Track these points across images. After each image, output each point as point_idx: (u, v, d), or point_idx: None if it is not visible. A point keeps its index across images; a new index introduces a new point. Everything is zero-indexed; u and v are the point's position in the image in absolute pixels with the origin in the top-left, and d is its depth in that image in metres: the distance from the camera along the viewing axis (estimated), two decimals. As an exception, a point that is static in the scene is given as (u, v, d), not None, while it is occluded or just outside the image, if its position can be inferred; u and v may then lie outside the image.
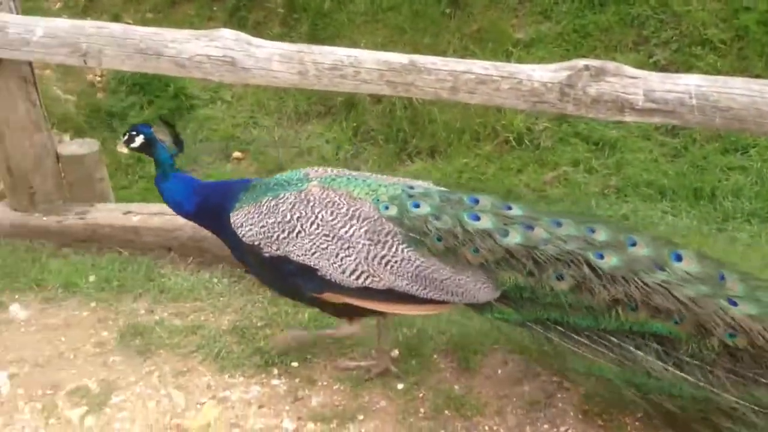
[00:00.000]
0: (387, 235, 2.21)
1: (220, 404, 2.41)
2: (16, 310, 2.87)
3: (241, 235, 2.29)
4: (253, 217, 2.28)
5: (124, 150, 2.53)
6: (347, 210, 2.24)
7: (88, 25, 2.78)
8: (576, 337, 2.15)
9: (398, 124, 6.82)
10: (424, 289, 2.20)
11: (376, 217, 2.22)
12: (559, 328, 2.17)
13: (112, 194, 3.50)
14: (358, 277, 2.21)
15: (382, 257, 2.19)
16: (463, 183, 5.27)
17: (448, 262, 2.19)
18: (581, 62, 2.44)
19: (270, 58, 2.67)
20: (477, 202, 2.31)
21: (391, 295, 2.22)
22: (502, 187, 4.85)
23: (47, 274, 3.02)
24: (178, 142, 2.54)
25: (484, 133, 5.97)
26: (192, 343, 2.65)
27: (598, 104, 2.42)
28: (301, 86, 2.72)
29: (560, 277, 2.15)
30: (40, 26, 2.77)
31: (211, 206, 2.40)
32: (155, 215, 3.21)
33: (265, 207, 2.28)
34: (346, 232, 2.21)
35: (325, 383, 2.50)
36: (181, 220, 2.64)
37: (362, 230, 2.21)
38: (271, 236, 2.25)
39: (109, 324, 2.77)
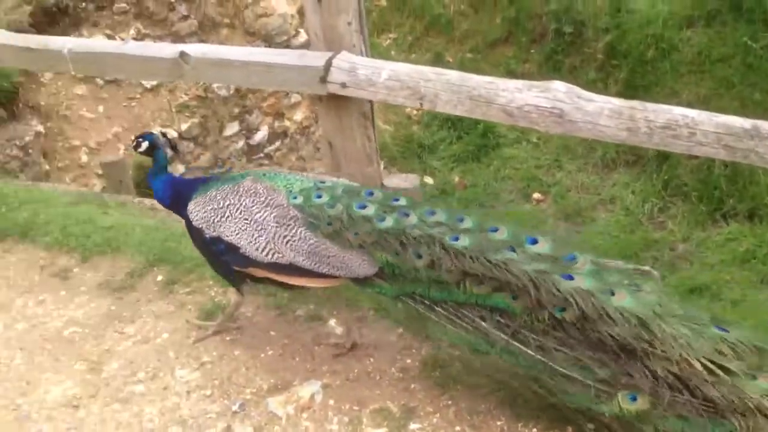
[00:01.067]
0: (290, 219, 2.65)
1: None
2: (333, 325, 3.14)
3: (191, 220, 2.79)
4: (200, 206, 2.78)
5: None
6: (265, 199, 2.70)
7: (429, 70, 2.97)
8: (435, 308, 2.49)
9: (715, 182, 6.41)
10: (317, 264, 2.61)
11: (285, 204, 2.68)
12: (423, 300, 2.51)
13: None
14: (267, 254, 2.65)
15: (284, 237, 2.63)
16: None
17: (335, 243, 2.60)
18: None
19: (599, 113, 2.65)
20: (371, 194, 2.72)
21: (293, 269, 2.65)
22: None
23: (362, 296, 3.25)
24: (174, 148, 3.13)
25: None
26: (490, 384, 2.69)
27: None
28: (628, 142, 2.67)
29: (419, 256, 2.50)
30: (386, 69, 3.02)
31: (179, 199, 2.89)
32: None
33: (209, 197, 2.78)
34: (261, 217, 2.68)
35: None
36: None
37: (272, 215, 2.67)
38: (210, 220, 2.75)
39: (412, 352, 2.91)
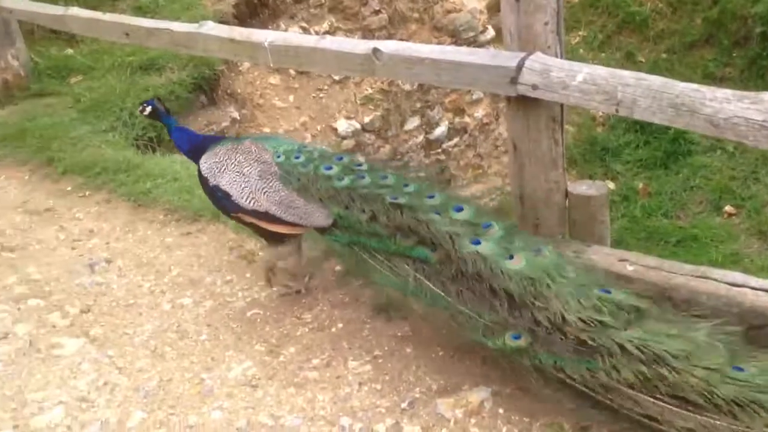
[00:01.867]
0: (270, 174, 3.12)
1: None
2: (506, 330, 3.07)
3: (201, 170, 3.27)
4: (209, 159, 3.26)
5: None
6: (254, 156, 3.18)
7: (628, 75, 2.81)
8: (376, 256, 2.89)
9: None
10: (286, 213, 3.08)
11: (269, 161, 3.15)
12: (366, 249, 2.92)
13: (609, 238, 3.52)
14: (249, 202, 3.12)
15: (263, 189, 3.10)
16: None
17: (302, 196, 3.07)
18: None
19: (819, 127, 2.40)
20: (340, 159, 3.17)
21: (268, 217, 3.11)
22: None
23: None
24: (165, 108, 3.58)
25: None
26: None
27: None
28: None
29: (363, 211, 2.93)
30: (581, 72, 2.89)
31: (197, 151, 3.35)
32: (651, 269, 3.15)
33: (216, 152, 3.25)
34: (248, 171, 3.15)
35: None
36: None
37: (257, 170, 3.14)
38: (213, 171, 3.22)
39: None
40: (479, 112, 8.54)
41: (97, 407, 2.86)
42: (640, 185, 8.40)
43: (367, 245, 2.92)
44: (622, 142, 8.89)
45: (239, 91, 7.08)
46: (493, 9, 8.48)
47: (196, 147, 3.39)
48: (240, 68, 7.11)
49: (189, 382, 2.95)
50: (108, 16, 4.51)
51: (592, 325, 2.46)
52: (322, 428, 2.67)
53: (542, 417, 2.59)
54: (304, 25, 7.26)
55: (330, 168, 3.09)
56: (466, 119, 8.44)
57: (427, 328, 3.10)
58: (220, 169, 3.21)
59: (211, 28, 4.06)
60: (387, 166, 3.28)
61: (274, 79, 7.37)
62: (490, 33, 8.37)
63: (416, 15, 7.87)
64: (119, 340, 3.27)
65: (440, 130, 8.26)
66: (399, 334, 3.12)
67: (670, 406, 2.33)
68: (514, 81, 3.03)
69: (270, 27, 6.89)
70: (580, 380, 2.44)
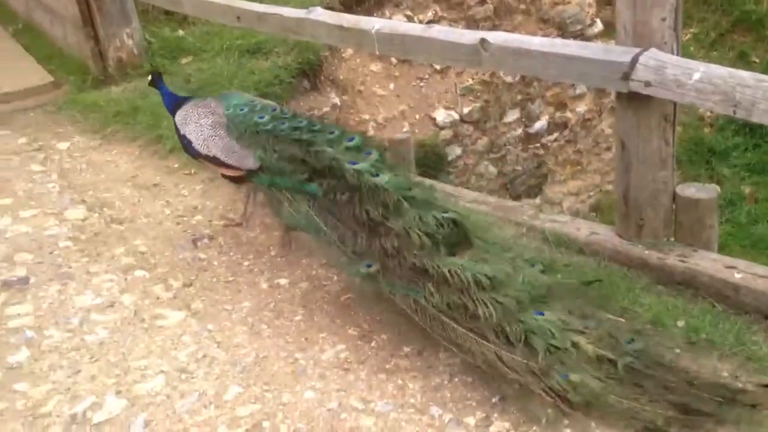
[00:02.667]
0: (219, 125, 3.63)
1: None
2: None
3: (175, 122, 3.82)
4: (181, 112, 3.79)
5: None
6: (211, 110, 3.70)
7: (747, 76, 2.69)
8: (285, 195, 3.35)
9: None
10: (228, 157, 3.56)
11: (221, 114, 3.66)
12: (278, 188, 3.39)
13: (716, 243, 3.40)
14: (203, 148, 3.64)
15: (212, 136, 3.62)
16: None
17: (239, 142, 3.54)
18: None
19: None
20: (274, 110, 3.64)
21: (217, 160, 3.61)
22: None
23: (638, 306, 3.08)
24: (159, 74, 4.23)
25: None
26: None
27: None
28: None
29: (274, 150, 3.42)
30: (698, 71, 2.79)
31: (176, 107, 3.87)
32: (760, 278, 3.02)
33: (186, 107, 3.79)
34: (204, 122, 3.67)
35: None
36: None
37: (209, 121, 3.66)
38: (182, 122, 3.76)
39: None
40: (581, 107, 8.35)
41: (196, 379, 2.96)
42: (747, 190, 8.05)
43: (279, 185, 3.40)
44: (730, 144, 8.55)
45: (341, 77, 7.15)
46: (602, 2, 8.27)
47: (176, 104, 3.91)
48: (343, 54, 7.17)
49: (284, 361, 3.01)
50: (221, 0, 4.62)
51: (427, 245, 2.87)
52: (412, 416, 2.68)
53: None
54: (408, 13, 7.25)
55: (262, 117, 3.58)
56: (568, 114, 8.27)
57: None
58: (186, 120, 3.74)
59: (319, 14, 4.12)
60: (307, 115, 3.95)
61: (376, 67, 7.40)
62: (598, 26, 8.17)
63: (522, 6, 7.75)
64: (218, 315, 3.36)
65: (540, 124, 8.12)
66: (492, 328, 3.08)
67: (475, 336, 2.70)
68: (626, 77, 2.95)
69: (375, 14, 6.92)
70: (410, 309, 2.88)
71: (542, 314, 2.68)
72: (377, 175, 3.08)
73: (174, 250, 3.94)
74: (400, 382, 2.85)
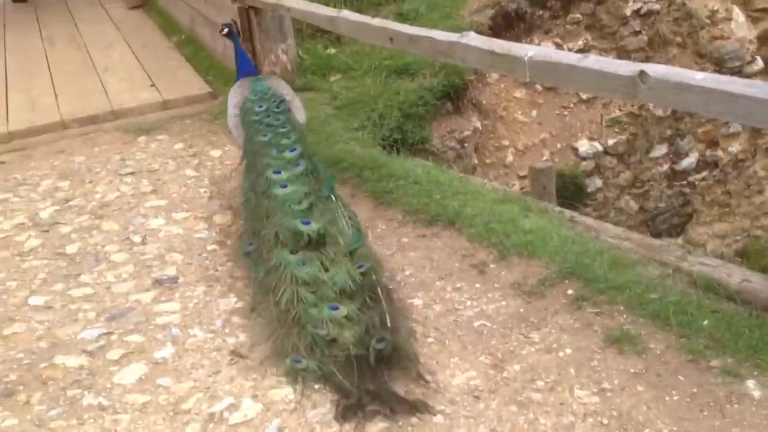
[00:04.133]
0: (238, 104, 4.55)
1: None
2: (751, 386, 2.83)
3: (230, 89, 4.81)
4: (235, 85, 4.78)
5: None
6: (241, 91, 4.63)
7: None
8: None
9: None
10: (235, 131, 4.52)
11: (245, 97, 4.55)
12: (250, 170, 4.24)
13: None
14: (229, 118, 4.60)
15: (231, 112, 4.59)
16: None
17: (241, 122, 4.44)
18: None
19: None
20: (275, 102, 4.51)
21: (230, 131, 4.67)
22: None
23: (792, 364, 2.89)
24: (239, 32, 5.12)
25: None
26: None
27: None
28: None
29: (252, 137, 4.31)
30: None
31: (241, 72, 4.88)
32: None
33: (239, 82, 4.77)
34: (233, 98, 4.64)
35: None
36: None
37: (236, 99, 4.60)
38: (231, 93, 4.74)
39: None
40: (734, 146, 7.96)
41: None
42: None
43: (251, 167, 4.14)
44: None
45: (484, 101, 7.15)
46: (764, 39, 7.87)
47: (246, 73, 4.85)
48: (488, 79, 7.18)
49: (414, 382, 3.01)
50: (376, 21, 4.71)
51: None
52: (541, 453, 2.62)
53: None
54: (558, 41, 7.17)
55: (261, 106, 4.41)
56: (719, 152, 7.91)
57: (664, 369, 2.94)
58: (234, 90, 4.70)
59: (472, 39, 4.12)
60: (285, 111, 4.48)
61: (520, 93, 7.36)
62: (759, 64, 7.78)
63: (679, 39, 7.49)
64: (353, 330, 3.40)
65: (688, 161, 7.81)
66: (631, 370, 2.98)
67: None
68: (797, 119, 2.78)
69: (523, 41, 6.88)
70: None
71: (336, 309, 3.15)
72: (284, 186, 3.75)
73: (313, 262, 4.03)
74: (531, 416, 2.79)
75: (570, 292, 3.54)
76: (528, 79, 4.11)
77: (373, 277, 3.39)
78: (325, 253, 3.41)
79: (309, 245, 3.43)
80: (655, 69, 3.27)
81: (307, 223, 3.50)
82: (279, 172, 3.85)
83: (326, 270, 3.32)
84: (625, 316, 3.31)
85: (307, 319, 3.12)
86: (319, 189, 3.84)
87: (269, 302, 3.29)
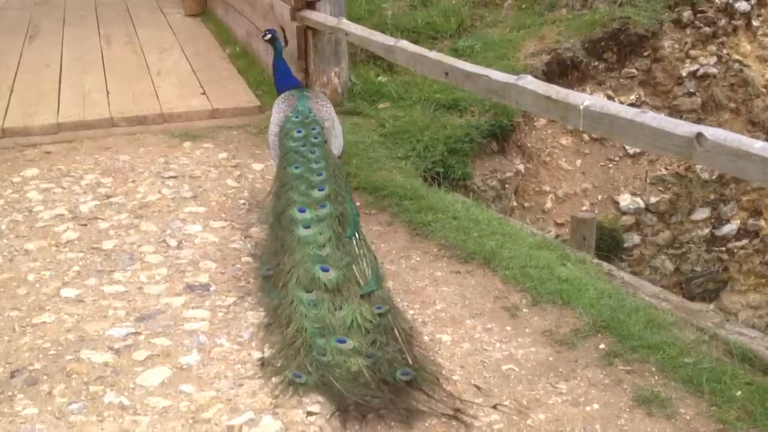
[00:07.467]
0: (280, 120, 4.48)
1: None
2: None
3: (276, 101, 4.70)
4: (280, 98, 4.70)
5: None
6: (284, 107, 4.55)
7: None
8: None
9: None
10: (273, 146, 4.48)
11: (288, 111, 4.51)
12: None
13: None
14: (271, 132, 4.52)
15: (273, 127, 4.51)
16: None
17: (279, 143, 4.37)
18: None
19: None
20: (314, 129, 4.39)
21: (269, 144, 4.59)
22: None
23: None
24: (285, 41, 5.17)
25: None
26: None
27: None
28: None
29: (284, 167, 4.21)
30: None
31: (280, 86, 4.88)
32: None
33: (283, 95, 4.69)
34: (276, 112, 4.59)
35: None
36: None
37: (277, 116, 4.53)
38: (275, 104, 4.67)
39: None
40: (778, 218, 7.84)
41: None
42: None
43: (279, 193, 4.05)
44: None
45: (529, 145, 7.13)
46: (820, 111, 7.78)
47: (286, 87, 4.77)
48: (535, 123, 7.16)
49: (436, 419, 2.97)
50: (432, 54, 4.74)
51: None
52: (560, 507, 2.56)
53: None
54: (610, 93, 7.15)
55: (300, 131, 4.33)
56: (762, 222, 7.79)
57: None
58: (278, 104, 4.61)
59: (529, 82, 4.12)
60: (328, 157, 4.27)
61: (566, 140, 7.33)
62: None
63: (732, 105, 7.43)
64: (378, 359, 3.38)
65: (729, 228, 7.70)
66: (648, 436, 2.91)
67: None
68: None
69: (575, 88, 6.86)
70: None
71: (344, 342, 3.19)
72: (307, 227, 3.71)
73: (345, 287, 4.02)
74: (554, 468, 2.73)
75: (602, 346, 3.48)
76: (581, 128, 4.08)
77: (390, 318, 3.39)
78: (338, 296, 3.41)
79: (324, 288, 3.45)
80: (713, 133, 3.23)
81: (326, 270, 3.48)
82: (303, 211, 3.77)
83: (338, 309, 3.36)
84: (656, 377, 3.24)
85: (314, 347, 3.17)
86: (343, 229, 3.76)
87: (281, 328, 3.39)
